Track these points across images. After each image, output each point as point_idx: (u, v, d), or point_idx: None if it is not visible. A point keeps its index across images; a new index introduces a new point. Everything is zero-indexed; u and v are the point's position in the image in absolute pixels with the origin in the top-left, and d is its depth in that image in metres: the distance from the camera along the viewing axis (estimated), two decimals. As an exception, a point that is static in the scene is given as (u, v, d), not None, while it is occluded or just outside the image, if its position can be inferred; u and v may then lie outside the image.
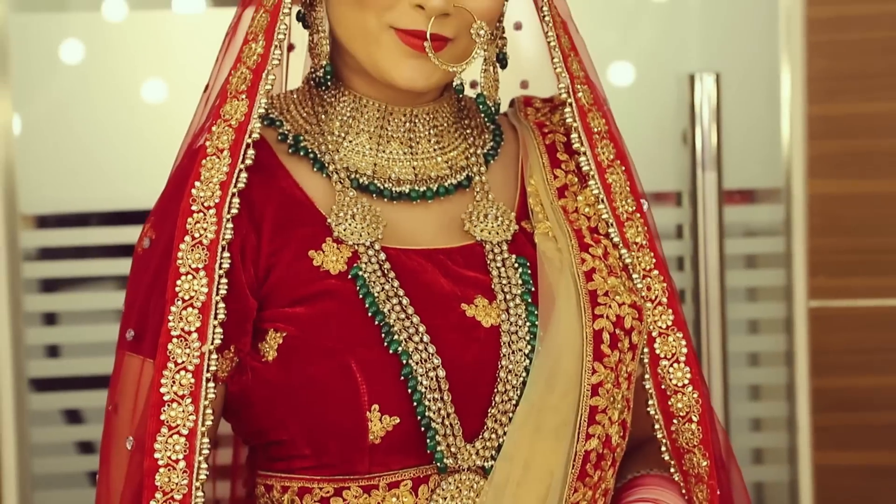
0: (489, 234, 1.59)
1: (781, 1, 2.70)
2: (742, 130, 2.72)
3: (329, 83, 1.59)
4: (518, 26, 1.82)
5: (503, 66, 1.63)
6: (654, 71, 2.73)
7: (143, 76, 2.69)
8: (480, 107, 1.60)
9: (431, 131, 1.61)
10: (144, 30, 2.70)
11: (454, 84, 1.56)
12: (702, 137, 2.65)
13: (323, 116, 1.61)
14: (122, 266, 2.69)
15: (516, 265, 1.58)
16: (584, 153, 1.62)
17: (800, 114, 2.69)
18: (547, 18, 1.61)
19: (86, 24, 2.69)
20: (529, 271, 1.57)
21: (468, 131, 1.65)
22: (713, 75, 2.65)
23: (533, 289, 1.57)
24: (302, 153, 1.59)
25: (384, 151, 1.59)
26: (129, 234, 2.64)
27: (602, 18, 2.72)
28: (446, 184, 1.61)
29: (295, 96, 1.63)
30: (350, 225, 1.54)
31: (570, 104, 1.62)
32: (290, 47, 1.71)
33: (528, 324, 1.54)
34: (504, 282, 1.56)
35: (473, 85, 1.63)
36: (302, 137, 1.59)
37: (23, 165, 2.67)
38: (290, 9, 1.54)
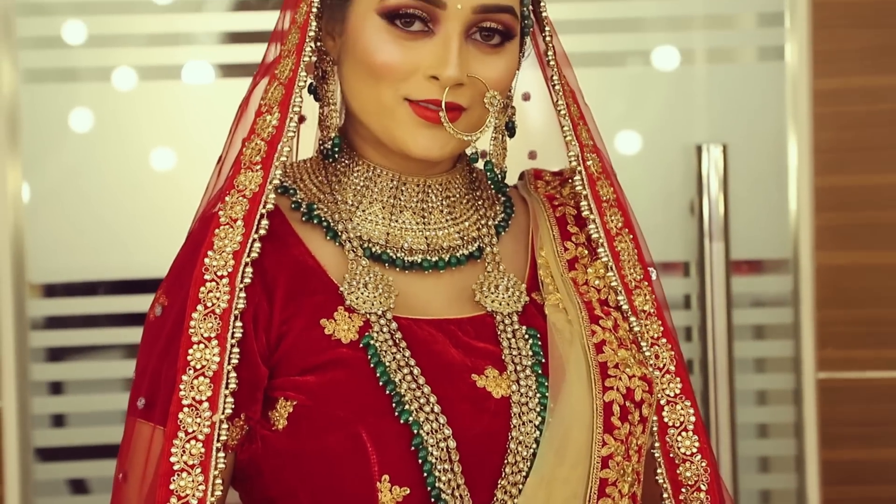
0: (500, 305, 1.59)
1: (788, 72, 2.72)
2: (749, 201, 2.72)
3: (337, 155, 1.60)
4: (527, 97, 1.83)
5: (511, 135, 1.63)
6: (661, 141, 2.74)
7: (151, 144, 2.70)
8: (488, 174, 1.60)
9: (444, 202, 1.62)
10: (154, 99, 2.71)
11: (469, 153, 1.57)
12: (709, 208, 2.66)
13: (336, 186, 1.61)
14: (130, 335, 2.69)
15: (527, 336, 1.58)
16: (594, 221, 1.63)
17: (807, 185, 2.69)
18: (557, 88, 1.62)
19: (96, 93, 2.71)
20: (540, 343, 1.57)
21: (479, 202, 1.66)
22: (720, 146, 2.66)
23: (543, 360, 1.56)
24: (315, 221, 1.59)
25: (397, 221, 1.60)
26: (137, 303, 2.64)
27: (610, 87, 2.73)
28: (458, 254, 1.61)
29: (308, 165, 1.64)
30: (362, 294, 1.54)
31: (580, 172, 1.63)
32: (302, 119, 1.71)
33: (538, 395, 1.53)
34: (514, 353, 1.56)
35: (483, 155, 1.64)
36: (315, 206, 1.60)
37: (31, 234, 2.68)
38: (304, 82, 1.55)
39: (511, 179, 1.71)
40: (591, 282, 1.63)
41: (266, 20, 2.71)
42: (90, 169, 2.70)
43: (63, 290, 2.75)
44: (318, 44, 1.60)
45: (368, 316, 1.54)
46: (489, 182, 1.63)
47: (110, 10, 2.72)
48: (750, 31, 2.83)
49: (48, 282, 2.74)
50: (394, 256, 1.58)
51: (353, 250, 1.58)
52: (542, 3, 1.62)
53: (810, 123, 2.69)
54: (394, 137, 1.54)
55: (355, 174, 1.60)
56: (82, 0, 2.72)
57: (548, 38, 1.63)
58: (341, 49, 1.58)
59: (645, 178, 2.73)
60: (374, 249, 1.58)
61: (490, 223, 1.65)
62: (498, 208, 1.67)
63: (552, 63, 1.62)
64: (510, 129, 1.63)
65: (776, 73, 2.74)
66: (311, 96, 1.63)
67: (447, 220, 1.62)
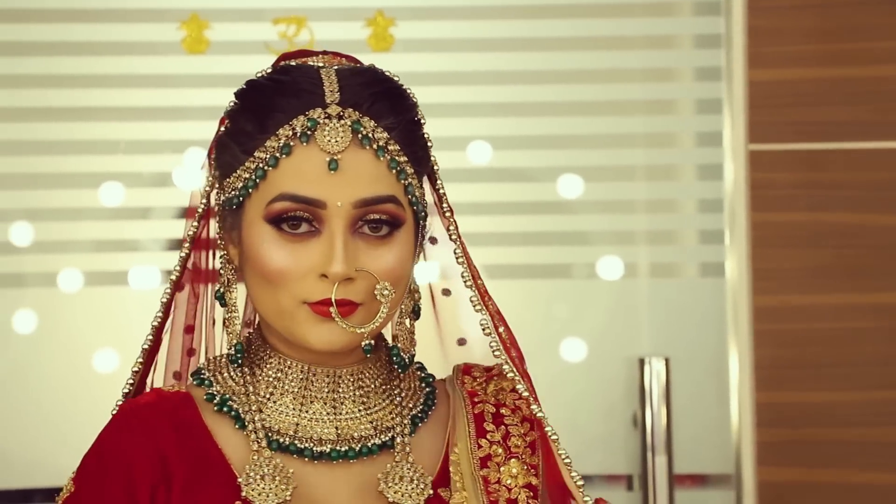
0: (402, 496, 1.58)
1: (728, 289, 2.76)
2: (692, 415, 2.73)
3: (239, 362, 1.62)
4: (447, 293, 1.83)
5: (416, 318, 1.65)
6: (604, 351, 2.76)
7: (95, 346, 2.70)
8: (394, 358, 1.61)
9: (357, 392, 1.62)
10: (99, 303, 2.72)
11: (363, 345, 1.57)
12: (651, 421, 2.66)
13: (250, 378, 1.62)
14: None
15: None
16: (520, 381, 1.63)
17: (748, 400, 2.71)
18: (462, 261, 1.65)
19: (41, 296, 2.71)
20: None
21: (396, 391, 1.66)
22: (663, 360, 2.67)
23: None
24: (225, 410, 1.60)
25: (307, 412, 1.60)
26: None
27: (555, 297, 2.77)
28: (369, 444, 1.61)
29: (227, 359, 1.65)
30: (259, 485, 1.55)
31: (495, 338, 1.64)
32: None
33: None
34: None
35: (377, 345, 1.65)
36: (229, 397, 1.61)
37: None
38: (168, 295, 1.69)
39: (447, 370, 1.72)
40: (503, 481, 1.62)
41: (212, 226, 2.73)
42: (32, 370, 2.68)
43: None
44: (223, 253, 1.64)
45: None
46: (397, 367, 1.64)
47: (57, 217, 2.74)
48: (692, 247, 2.88)
49: (-18, 491, 2.69)
50: (301, 447, 1.58)
51: (257, 441, 1.58)
52: (438, 181, 1.66)
53: (751, 340, 2.72)
54: (295, 336, 1.57)
55: (268, 367, 1.62)
56: (30, 206, 2.74)
57: (448, 214, 1.65)
58: (241, 257, 1.62)
59: (588, 388, 2.74)
60: (281, 440, 1.59)
61: (405, 413, 1.65)
62: (418, 399, 1.67)
63: (455, 238, 1.65)
64: (416, 313, 1.64)
65: (717, 289, 2.78)
66: (218, 302, 1.66)
67: (360, 410, 1.62)
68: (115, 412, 1.63)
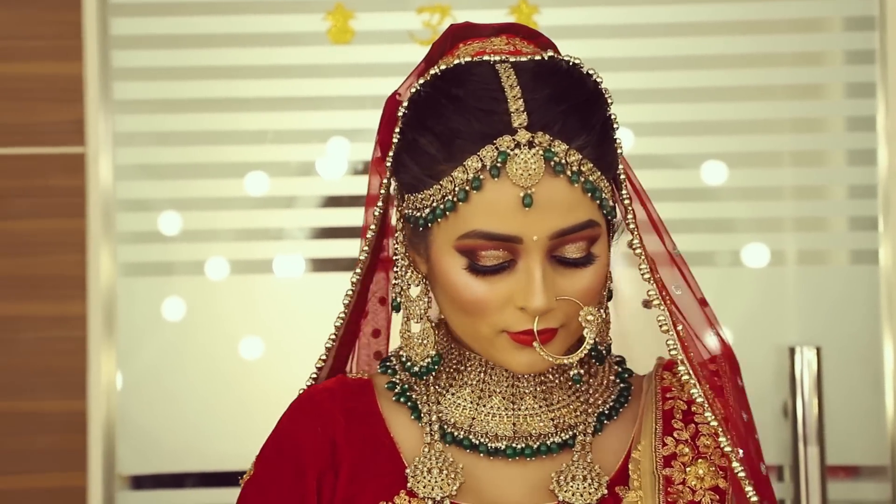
0: (572, 496, 1.56)
1: (882, 276, 2.70)
2: (845, 405, 2.69)
3: (432, 376, 1.60)
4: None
5: (609, 299, 1.60)
6: (751, 340, 2.72)
7: (241, 334, 2.74)
8: (592, 352, 1.58)
9: (537, 388, 1.60)
10: (244, 291, 2.76)
11: (572, 374, 1.56)
12: (803, 411, 2.62)
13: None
14: (217, 528, 2.69)
15: None
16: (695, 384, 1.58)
17: (904, 391, 2.67)
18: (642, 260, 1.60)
19: (189, 284, 2.76)
20: None
21: (584, 387, 1.63)
22: (814, 349, 2.63)
23: None
24: (403, 400, 1.60)
25: (485, 406, 1.59)
26: (225, 496, 2.64)
27: (700, 280, 2.72)
28: (548, 442, 1.58)
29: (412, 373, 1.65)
30: (425, 478, 1.54)
31: (673, 335, 1.59)
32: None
33: None
34: None
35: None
36: (409, 387, 1.61)
37: (123, 423, 2.70)
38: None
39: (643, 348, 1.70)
40: (688, 482, 1.58)
41: (355, 216, 2.75)
42: (181, 357, 2.73)
43: (151, 482, 2.75)
44: (406, 262, 1.60)
45: (428, 501, 1.53)
46: (594, 360, 1.60)
47: (204, 206, 2.78)
48: (842, 234, 2.83)
49: (137, 473, 2.74)
50: (476, 441, 1.57)
51: (430, 433, 1.57)
52: (620, 166, 1.58)
53: (906, 329, 2.67)
54: (495, 360, 1.55)
55: (449, 357, 1.61)
56: (178, 196, 2.78)
57: (626, 202, 1.59)
58: (429, 272, 1.58)
59: (735, 377, 2.70)
60: (456, 434, 1.57)
61: (592, 411, 1.62)
62: (610, 395, 1.64)
63: (633, 228, 1.59)
64: (608, 295, 1.60)
65: (870, 277, 2.72)
66: (394, 311, 1.63)
67: (540, 407, 1.59)
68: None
